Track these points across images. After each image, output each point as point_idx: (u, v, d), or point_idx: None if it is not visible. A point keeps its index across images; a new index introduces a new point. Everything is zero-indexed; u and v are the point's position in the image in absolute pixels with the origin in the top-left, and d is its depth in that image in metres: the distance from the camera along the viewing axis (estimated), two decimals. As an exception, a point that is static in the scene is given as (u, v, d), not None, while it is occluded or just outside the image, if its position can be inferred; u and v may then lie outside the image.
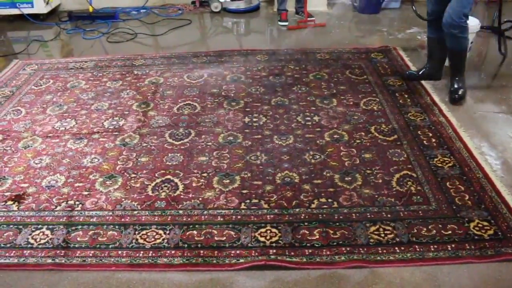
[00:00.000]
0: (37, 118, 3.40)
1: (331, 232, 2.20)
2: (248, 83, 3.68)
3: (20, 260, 2.19)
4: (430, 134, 2.90)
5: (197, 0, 5.83)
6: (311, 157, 2.75)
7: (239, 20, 5.37)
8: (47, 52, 4.83)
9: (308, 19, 4.96)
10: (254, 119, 3.17)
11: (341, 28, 4.89)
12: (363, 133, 2.95)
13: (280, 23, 5.04)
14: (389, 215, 2.28)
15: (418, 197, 2.40)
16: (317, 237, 2.18)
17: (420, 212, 2.30)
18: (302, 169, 2.64)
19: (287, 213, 2.33)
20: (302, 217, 2.30)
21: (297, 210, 2.35)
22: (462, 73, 3.34)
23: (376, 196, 2.41)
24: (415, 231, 2.18)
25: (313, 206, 2.37)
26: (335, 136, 2.94)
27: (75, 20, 5.57)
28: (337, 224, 2.25)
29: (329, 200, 2.40)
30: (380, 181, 2.52)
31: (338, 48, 4.26)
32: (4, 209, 2.52)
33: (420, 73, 3.56)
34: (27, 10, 5.51)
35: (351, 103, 3.31)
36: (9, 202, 2.57)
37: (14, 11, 5.55)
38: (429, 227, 2.20)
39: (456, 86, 3.31)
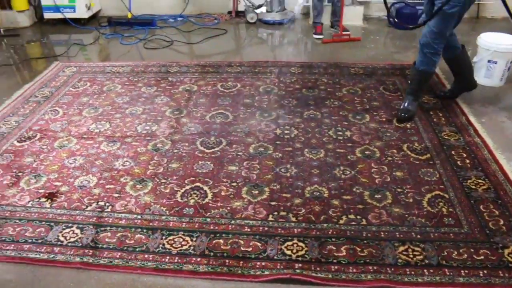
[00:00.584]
0: (73, 119, 3.49)
1: (359, 249, 2.18)
2: (281, 95, 3.69)
3: (49, 257, 2.24)
4: (465, 155, 2.85)
5: (233, 10, 5.89)
6: (341, 172, 2.73)
7: (274, 32, 5.40)
8: (86, 55, 4.96)
9: (343, 33, 4.94)
10: (286, 131, 3.17)
11: (376, 43, 4.86)
12: (395, 151, 2.91)
13: (315, 36, 5.04)
14: (418, 236, 2.24)
15: (450, 219, 2.35)
16: (344, 253, 2.16)
17: (451, 234, 2.25)
18: (331, 184, 2.63)
19: (315, 228, 2.32)
20: (329, 232, 2.28)
21: (325, 225, 2.33)
22: (419, 94, 3.32)
23: (406, 215, 2.38)
24: (446, 254, 2.13)
25: (341, 222, 2.35)
26: (367, 152, 2.91)
27: (114, 25, 5.70)
28: (365, 241, 2.22)
29: (358, 217, 2.38)
30: (411, 200, 2.48)
31: (372, 63, 4.23)
32: (37, 206, 2.59)
33: (451, 92, 3.53)
34: (69, 15, 5.67)
35: (384, 119, 3.28)
36: (43, 199, 2.63)
37: (57, 15, 5.73)
38: (460, 250, 2.15)
39: (406, 105, 3.28)
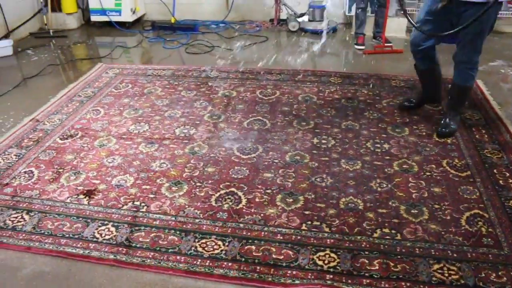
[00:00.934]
0: (113, 120, 3.57)
1: (392, 264, 2.14)
2: (319, 104, 3.67)
3: (85, 252, 2.29)
4: (507, 174, 2.76)
5: (275, 18, 5.91)
6: (377, 185, 2.69)
7: (315, 41, 5.39)
8: (129, 58, 5.07)
9: (386, 44, 4.89)
10: (323, 141, 3.15)
11: (419, 56, 4.77)
12: (434, 166, 2.85)
13: (356, 46, 5.01)
14: (455, 255, 2.18)
15: (489, 239, 2.27)
16: (377, 268, 2.12)
17: (490, 255, 2.18)
18: (367, 196, 2.59)
19: (348, 240, 2.29)
20: (363, 245, 2.25)
21: (359, 237, 2.30)
22: (457, 111, 3.25)
23: (443, 232, 2.32)
24: (483, 275, 2.07)
25: (375, 235, 2.31)
26: (404, 166, 2.86)
27: (157, 29, 5.82)
28: (399, 257, 2.18)
29: (393, 231, 2.34)
30: (448, 217, 2.42)
31: (414, 76, 4.12)
32: (75, 202, 2.66)
33: (415, 103, 3.54)
34: (115, 18, 5.83)
35: (424, 133, 3.22)
36: (81, 196, 2.70)
37: (103, 18, 5.91)
38: (499, 273, 2.07)
39: (447, 121, 3.21)
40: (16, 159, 3.09)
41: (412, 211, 2.47)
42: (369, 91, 3.88)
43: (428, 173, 2.78)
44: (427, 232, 2.32)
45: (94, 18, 6.00)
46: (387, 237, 2.30)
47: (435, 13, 2.94)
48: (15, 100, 4.03)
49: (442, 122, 3.22)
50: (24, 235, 2.42)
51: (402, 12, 3.38)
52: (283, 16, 5.86)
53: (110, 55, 5.07)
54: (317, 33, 5.49)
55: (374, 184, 2.70)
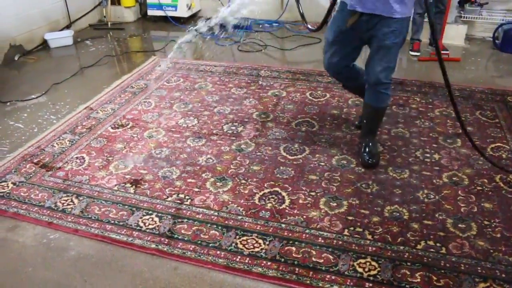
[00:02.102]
0: (163, 112, 3.64)
1: (435, 278, 2.08)
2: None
3: (128, 239, 2.35)
4: None
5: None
6: (424, 195, 2.62)
7: (369, 45, 5.30)
8: (182, 52, 5.15)
9: (442, 52, 4.73)
10: (371, 147, 3.10)
11: (477, 65, 4.61)
12: (486, 180, 2.75)
13: (411, 53, 4.89)
14: (503, 275, 2.09)
15: (541, 261, 2.17)
16: (418, 280, 2.07)
17: (541, 278, 2.08)
18: (413, 207, 2.53)
19: (390, 249, 2.24)
20: (405, 256, 2.20)
21: (401, 247, 2.25)
22: (375, 133, 3.04)
23: (492, 250, 2.23)
24: (532, 298, 1.98)
25: (419, 247, 2.26)
26: (454, 178, 2.77)
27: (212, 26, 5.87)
28: (442, 271, 2.11)
29: (438, 244, 2.27)
30: (499, 235, 2.32)
31: (470, 86, 4.02)
32: (122, 190, 2.73)
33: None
34: (170, 13, 5.94)
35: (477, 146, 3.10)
36: (128, 185, 2.77)
37: (160, 13, 6.03)
38: (549, 297, 1.98)
39: (368, 149, 2.93)
40: (70, 145, 3.21)
41: (460, 225, 2.39)
42: (422, 99, 3.78)
43: (479, 188, 2.68)
44: (474, 249, 2.24)
45: (150, 12, 6.13)
46: (431, 249, 2.24)
47: (344, 32, 2.74)
48: (72, 88, 4.18)
49: (365, 152, 2.93)
50: (72, 217, 2.52)
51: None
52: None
53: (164, 49, 5.17)
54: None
55: (421, 195, 2.63)
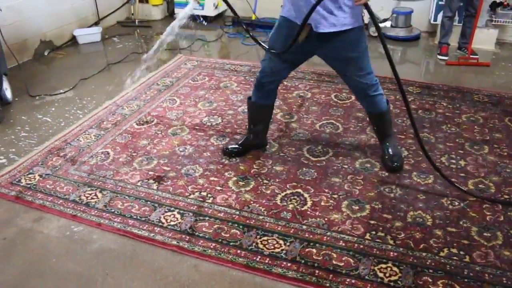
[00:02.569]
0: (188, 110, 3.66)
1: (457, 287, 2.04)
2: (395, 113, 3.56)
3: (150, 235, 2.38)
4: None
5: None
6: (449, 202, 2.58)
7: (396, 48, 5.24)
8: (208, 51, 5.18)
9: (471, 56, 4.66)
10: (395, 151, 3.06)
11: (507, 71, 4.51)
12: (513, 189, 2.69)
13: (439, 56, 4.81)
14: (529, 286, 2.05)
15: None
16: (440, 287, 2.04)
17: None
18: (437, 213, 2.49)
19: (412, 255, 2.22)
20: (427, 262, 2.17)
21: (424, 254, 2.22)
22: (391, 135, 2.96)
23: (517, 261, 2.18)
24: (558, 310, 1.93)
25: (442, 254, 2.22)
26: (480, 186, 2.72)
27: (238, 25, 5.89)
28: (465, 280, 2.08)
29: (461, 252, 2.23)
30: (525, 245, 2.28)
31: (500, 92, 3.94)
32: (145, 186, 2.75)
33: (242, 147, 3.05)
34: (197, 12, 5.95)
35: (505, 153, 3.03)
36: (151, 181, 2.80)
37: (186, 11, 6.05)
38: None
39: (391, 152, 2.90)
40: (95, 140, 3.25)
41: (485, 234, 2.35)
42: (449, 104, 3.72)
43: (506, 196, 2.63)
44: (500, 259, 2.19)
45: (177, 10, 6.17)
46: (455, 257, 2.20)
47: (296, 45, 2.52)
48: (99, 83, 4.24)
49: (387, 156, 2.90)
50: (96, 211, 2.55)
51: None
52: (365, 20, 5.73)
53: (190, 47, 5.20)
54: (399, 40, 5.33)
55: (446, 201, 2.59)
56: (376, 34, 5.46)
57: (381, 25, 5.46)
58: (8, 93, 3.83)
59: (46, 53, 4.99)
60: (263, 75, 2.81)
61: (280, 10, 2.63)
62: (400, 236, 2.33)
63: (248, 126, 3.08)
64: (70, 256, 2.29)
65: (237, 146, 3.05)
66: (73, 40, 5.35)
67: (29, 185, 2.79)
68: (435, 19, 5.32)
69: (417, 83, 4.12)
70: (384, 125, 2.94)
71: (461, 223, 2.42)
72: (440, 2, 5.12)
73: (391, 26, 5.42)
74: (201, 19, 5.68)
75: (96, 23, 5.72)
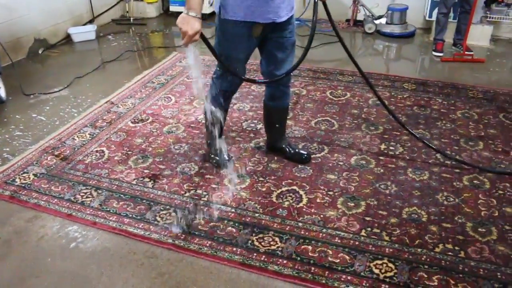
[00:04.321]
0: (183, 108, 3.65)
1: (452, 282, 2.05)
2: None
3: (145, 234, 2.37)
4: None
5: (352, 19, 5.81)
6: (444, 198, 2.59)
7: (391, 45, 5.25)
8: (203, 49, 5.13)
9: (466, 52, 4.67)
10: (391, 147, 3.07)
11: (502, 67, 4.53)
12: (508, 185, 2.69)
13: (434, 53, 4.82)
14: (523, 281, 2.06)
15: None
16: (436, 283, 2.04)
17: (562, 285, 2.04)
18: (432, 209, 2.50)
19: (408, 251, 2.22)
20: (423, 258, 2.18)
21: (419, 250, 2.23)
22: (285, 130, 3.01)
23: (512, 256, 2.19)
24: (553, 305, 1.94)
25: (437, 250, 2.23)
26: (475, 181, 2.73)
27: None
28: (461, 275, 2.08)
29: (456, 248, 2.24)
30: (520, 240, 2.29)
31: (495, 88, 3.95)
32: (140, 184, 2.75)
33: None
34: (192, 9, 5.95)
35: (500, 149, 3.05)
36: (146, 179, 2.79)
37: (182, 9, 5.96)
38: None
39: (293, 146, 2.97)
40: (90, 138, 3.25)
41: (480, 229, 2.35)
42: (444, 100, 3.73)
43: (500, 192, 2.63)
44: (494, 254, 2.20)
45: (173, 8, 6.17)
46: (450, 253, 2.21)
47: (251, 45, 2.53)
48: (94, 82, 4.23)
49: (293, 151, 2.93)
50: (91, 210, 2.55)
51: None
52: (360, 17, 5.75)
53: (185, 45, 5.17)
54: (393, 37, 5.34)
55: (441, 197, 2.59)
56: (371, 31, 5.47)
57: (376, 21, 5.46)
58: (2, 92, 3.82)
59: (40, 52, 4.96)
60: (228, 95, 2.73)
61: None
62: (395, 232, 2.34)
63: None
64: (65, 255, 2.28)
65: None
66: (68, 38, 5.33)
67: (23, 185, 2.78)
68: (430, 16, 5.33)
69: (412, 80, 4.12)
70: (285, 121, 2.96)
71: (456, 218, 2.43)
72: (435, -1, 5.13)
73: (386, 23, 5.42)
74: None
75: (90, 21, 5.69)
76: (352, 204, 2.54)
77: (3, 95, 3.82)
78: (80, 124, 3.44)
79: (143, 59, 4.85)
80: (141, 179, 2.80)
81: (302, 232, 2.35)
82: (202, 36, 2.26)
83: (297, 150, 2.95)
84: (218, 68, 2.68)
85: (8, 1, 4.51)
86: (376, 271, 2.11)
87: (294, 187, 2.69)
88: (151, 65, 4.54)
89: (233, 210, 2.52)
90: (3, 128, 3.44)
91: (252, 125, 3.37)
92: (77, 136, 3.28)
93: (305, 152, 2.96)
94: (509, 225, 2.37)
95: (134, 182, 2.77)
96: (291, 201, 2.57)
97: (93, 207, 2.57)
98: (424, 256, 2.19)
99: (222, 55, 2.51)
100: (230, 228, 2.39)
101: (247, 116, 3.51)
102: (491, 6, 5.01)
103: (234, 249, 2.25)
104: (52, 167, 2.94)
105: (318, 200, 2.58)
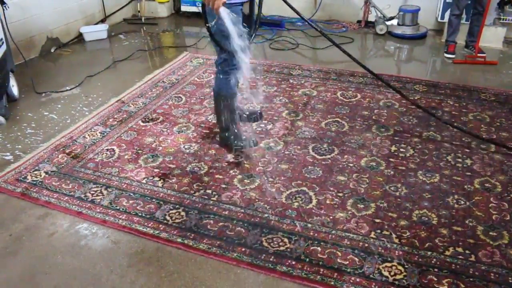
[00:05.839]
0: (194, 108, 3.66)
1: (462, 286, 2.03)
2: (401, 112, 3.55)
3: (155, 232, 2.38)
4: None
5: (363, 20, 5.79)
6: (454, 201, 2.57)
7: (402, 46, 5.22)
8: (214, 48, 5.16)
9: (478, 54, 4.63)
10: (401, 149, 3.05)
11: (515, 70, 4.49)
12: (520, 188, 2.67)
13: (446, 55, 4.78)
14: (535, 285, 2.04)
15: None
16: (446, 287, 2.03)
17: None
18: (442, 212, 2.48)
19: (417, 254, 2.21)
20: (432, 261, 2.16)
21: (429, 253, 2.21)
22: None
23: (523, 260, 2.17)
24: None
25: (447, 253, 2.21)
26: (486, 184, 2.70)
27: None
28: (471, 279, 2.06)
29: (467, 251, 2.22)
30: (531, 245, 2.26)
31: (507, 90, 3.91)
32: (151, 183, 2.76)
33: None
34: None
35: (512, 152, 3.02)
36: (156, 178, 2.80)
37: (193, 9, 6.09)
38: None
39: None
40: (101, 137, 3.26)
41: (491, 233, 2.33)
42: (455, 102, 3.70)
43: (512, 195, 2.62)
44: (506, 258, 2.18)
45: (184, 8, 6.19)
46: (460, 256, 2.19)
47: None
48: (105, 81, 4.25)
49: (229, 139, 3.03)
50: (101, 208, 2.56)
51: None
52: (371, 18, 5.73)
53: (196, 45, 5.20)
54: (405, 38, 5.31)
55: (451, 200, 2.57)
56: (382, 32, 5.45)
57: (387, 22, 5.44)
58: (15, 90, 3.85)
59: (52, 50, 5.00)
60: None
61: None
62: (405, 235, 2.32)
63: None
64: (75, 252, 2.30)
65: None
66: (80, 37, 5.37)
67: (35, 182, 2.80)
68: (442, 17, 5.29)
69: (423, 82, 4.10)
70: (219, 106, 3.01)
71: (466, 222, 2.41)
72: (447, 0, 5.08)
73: (398, 24, 5.39)
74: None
75: (102, 20, 5.73)
76: (362, 206, 2.53)
77: (16, 93, 3.85)
78: (91, 122, 3.46)
79: (154, 58, 4.87)
80: (151, 178, 2.81)
81: (311, 234, 2.34)
82: None
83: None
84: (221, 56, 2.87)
85: (21, 0, 4.55)
86: (386, 273, 2.10)
87: (304, 188, 2.68)
88: (162, 65, 4.56)
89: (242, 210, 2.52)
90: (15, 126, 3.47)
91: (262, 125, 3.37)
92: (88, 135, 3.30)
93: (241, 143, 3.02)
94: (521, 229, 2.35)
95: (144, 181, 2.78)
96: (300, 202, 2.56)
97: (103, 205, 2.58)
98: (434, 259, 2.17)
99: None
100: (239, 228, 2.39)
101: (257, 116, 3.50)
102: (504, 8, 4.96)
103: (243, 249, 2.25)
104: (63, 165, 2.96)
105: (327, 202, 2.57)
